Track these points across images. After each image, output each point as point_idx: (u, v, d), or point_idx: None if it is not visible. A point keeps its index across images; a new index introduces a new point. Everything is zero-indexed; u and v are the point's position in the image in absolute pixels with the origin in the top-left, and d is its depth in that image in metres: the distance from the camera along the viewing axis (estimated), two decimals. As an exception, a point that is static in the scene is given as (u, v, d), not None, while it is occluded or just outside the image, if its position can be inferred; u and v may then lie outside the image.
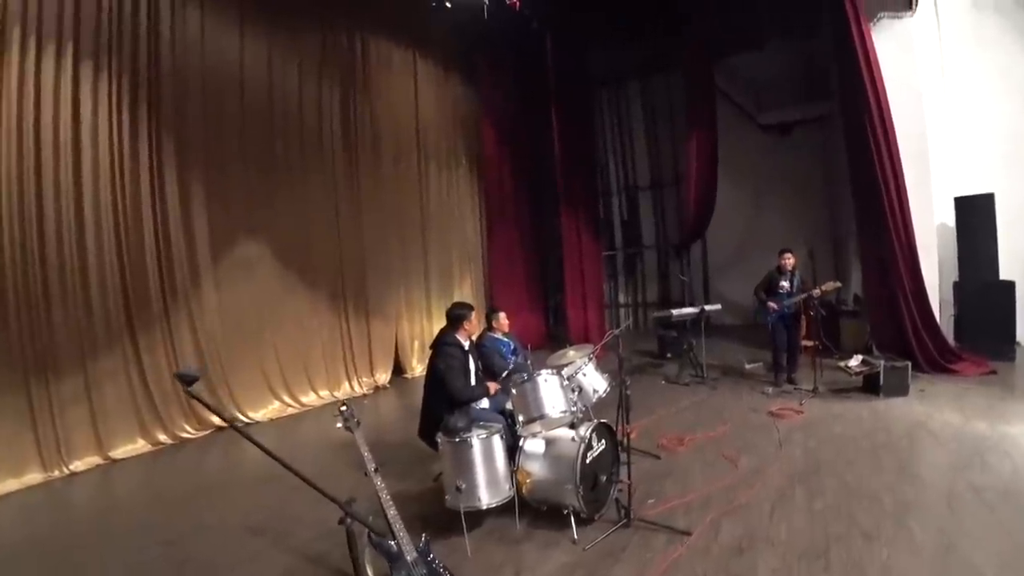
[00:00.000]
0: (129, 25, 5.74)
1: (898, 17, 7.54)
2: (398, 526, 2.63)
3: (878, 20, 7.50)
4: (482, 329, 4.87)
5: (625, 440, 3.50)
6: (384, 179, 8.45)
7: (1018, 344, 7.43)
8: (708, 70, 9.83)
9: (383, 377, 8.19)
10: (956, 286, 7.59)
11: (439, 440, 3.33)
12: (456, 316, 3.93)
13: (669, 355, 7.90)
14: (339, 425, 2.81)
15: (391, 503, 2.69)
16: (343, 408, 2.83)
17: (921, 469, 4.13)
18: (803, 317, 6.51)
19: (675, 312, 7.10)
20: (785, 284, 6.30)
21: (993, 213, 7.36)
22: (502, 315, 4.79)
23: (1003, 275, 7.32)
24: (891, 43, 7.44)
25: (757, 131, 10.81)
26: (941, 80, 8.20)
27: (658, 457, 4.47)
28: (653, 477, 4.10)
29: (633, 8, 9.28)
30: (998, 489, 3.67)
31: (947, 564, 2.84)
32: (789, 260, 6.33)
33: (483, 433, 3.26)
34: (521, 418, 3.39)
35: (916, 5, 7.48)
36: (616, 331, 3.77)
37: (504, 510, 3.45)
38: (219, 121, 6.62)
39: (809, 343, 6.37)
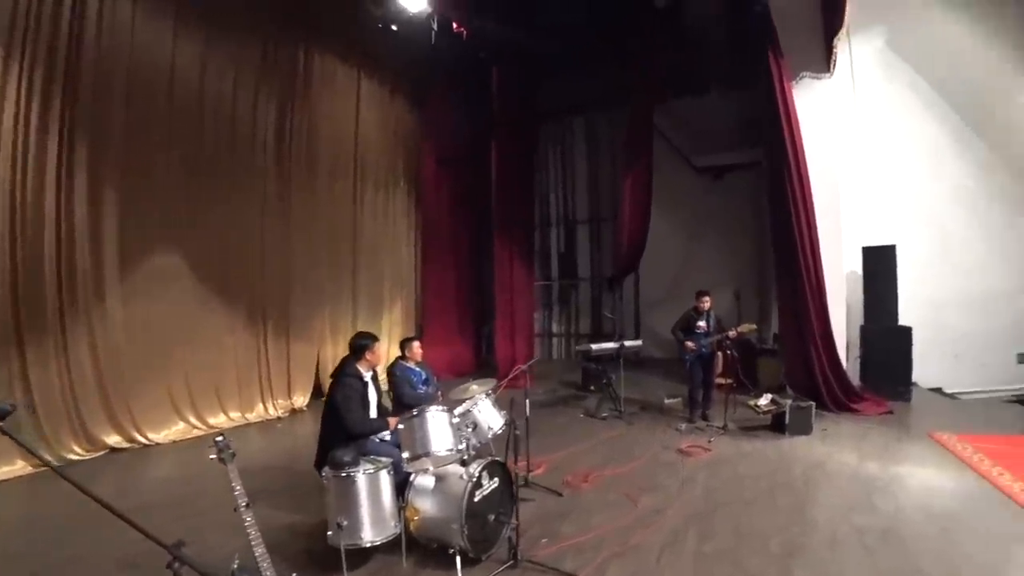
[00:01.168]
0: (50, 12, 5.41)
1: (818, 78, 8.06)
2: (265, 565, 2.51)
3: (800, 79, 7.99)
4: (396, 358, 4.79)
5: (520, 479, 3.47)
6: (317, 196, 8.28)
7: (915, 385, 7.93)
8: (649, 111, 10.20)
9: (301, 400, 7.91)
10: (862, 329, 8.04)
11: (323, 474, 3.20)
12: (358, 346, 3.83)
13: (592, 388, 7.96)
14: (212, 456, 2.66)
15: (260, 540, 2.56)
16: (218, 439, 2.67)
17: (813, 510, 4.24)
18: (719, 356, 6.69)
19: (594, 346, 7.20)
20: (702, 324, 6.50)
21: (895, 263, 7.90)
22: (416, 344, 4.72)
23: (902, 321, 7.84)
24: (811, 101, 7.95)
25: (692, 173, 11.24)
26: (855, 139, 8.81)
27: (560, 495, 4.44)
28: (552, 515, 4.06)
29: (581, 47, 9.55)
30: (879, 530, 3.83)
31: (820, 608, 2.93)
32: (706, 302, 6.55)
33: (370, 468, 3.16)
34: (406, 454, 3.30)
35: (834, 68, 8.02)
36: (524, 367, 3.76)
37: (395, 546, 3.35)
38: (142, 123, 6.30)
39: (724, 381, 6.57)
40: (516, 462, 3.41)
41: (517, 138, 9.59)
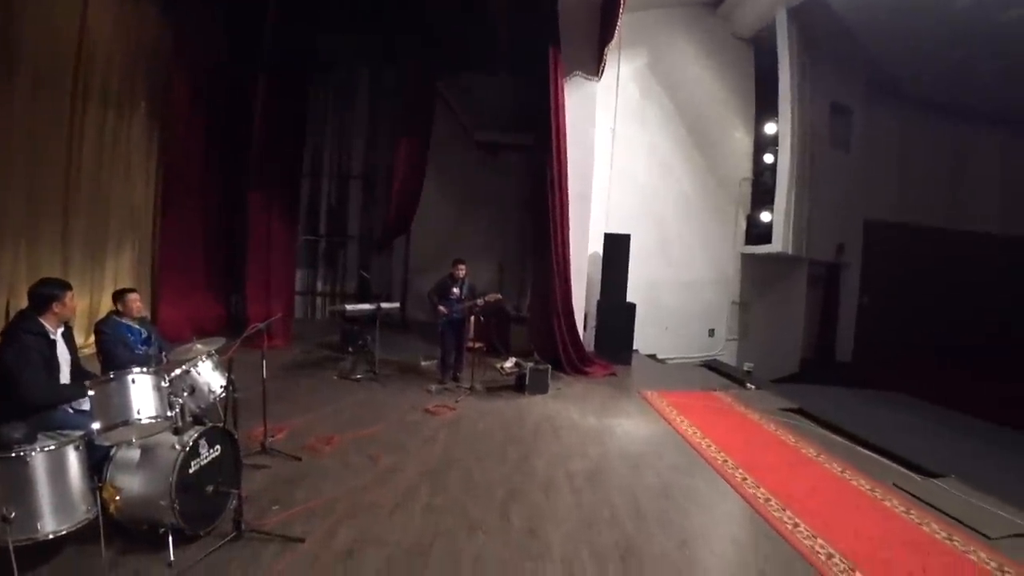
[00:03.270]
0: None
1: (587, 79, 8.90)
2: None
3: (572, 77, 8.73)
4: (108, 312, 4.05)
5: (257, 445, 3.25)
6: (15, 107, 6.40)
7: (636, 351, 9.52)
8: (432, 77, 10.17)
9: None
10: (598, 304, 9.32)
11: (-21, 456, 2.56)
12: (42, 296, 3.12)
13: (350, 349, 7.80)
14: None
15: None
16: None
17: (536, 460, 4.78)
18: (471, 321, 7.09)
19: (349, 307, 7.05)
20: (456, 291, 6.80)
21: (628, 249, 9.27)
22: (133, 296, 3.99)
23: (629, 298, 9.28)
24: (579, 99, 8.75)
25: (471, 145, 11.57)
26: (610, 138, 10.05)
27: (299, 459, 4.29)
28: (287, 481, 3.92)
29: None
30: (586, 474, 4.53)
31: (527, 545, 3.34)
32: (461, 270, 6.87)
33: (50, 444, 2.63)
34: (97, 425, 2.82)
35: (602, 74, 8.95)
36: (261, 325, 3.50)
37: (94, 534, 2.81)
38: None
39: (476, 345, 7.01)
40: (236, 427, 3.15)
41: (290, 78, 8.66)
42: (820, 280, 12.51)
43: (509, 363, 7.00)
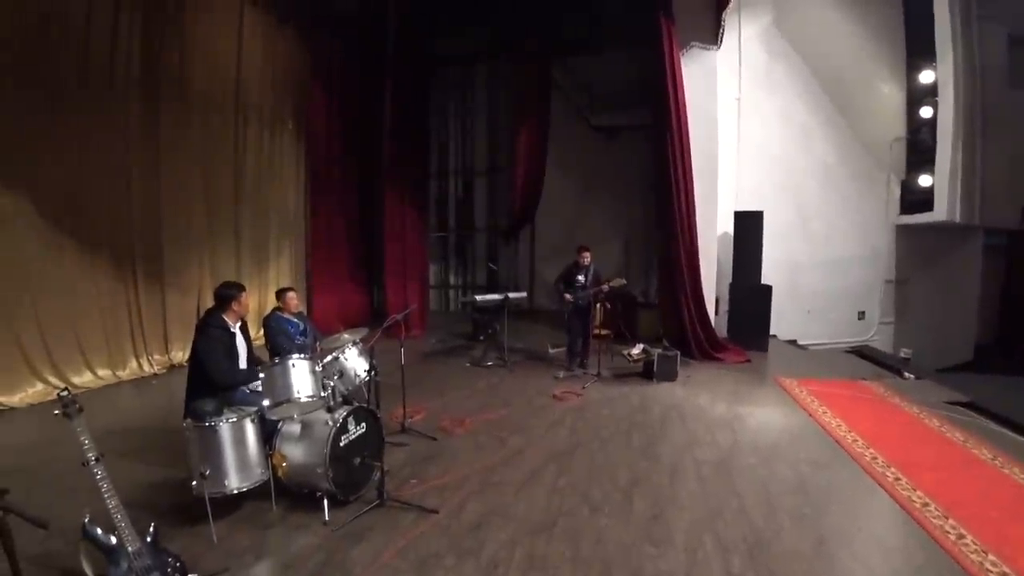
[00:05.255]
0: None
1: (706, 49, 8.44)
2: (119, 516, 2.52)
3: (689, 48, 8.34)
4: (272, 308, 4.70)
5: (398, 425, 3.60)
6: (191, 133, 7.56)
7: (773, 337, 8.90)
8: (546, 65, 10.25)
9: (180, 355, 7.44)
10: (731, 287, 8.84)
11: (184, 425, 3.17)
12: (224, 296, 3.74)
13: (481, 338, 8.21)
14: (56, 412, 2.57)
15: (113, 493, 2.55)
16: (63, 393, 2.59)
17: (661, 446, 4.72)
18: (597, 308, 7.10)
19: (479, 298, 7.41)
20: (581, 278, 6.82)
21: (761, 228, 8.67)
22: (291, 294, 4.65)
23: (764, 280, 8.70)
24: (698, 71, 8.34)
25: (589, 130, 11.51)
26: (735, 109, 9.44)
27: (435, 439, 4.65)
28: (424, 458, 4.27)
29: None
30: (714, 462, 4.38)
31: (650, 529, 3.34)
32: (586, 257, 6.85)
33: (233, 417, 3.18)
34: (267, 402, 3.35)
35: (721, 41, 8.44)
36: (399, 316, 3.85)
37: (266, 493, 3.43)
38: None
39: (602, 332, 7.01)
40: (379, 407, 3.53)
41: (414, 81, 9.30)
42: (1001, 251, 10.68)
43: (636, 349, 6.93)
